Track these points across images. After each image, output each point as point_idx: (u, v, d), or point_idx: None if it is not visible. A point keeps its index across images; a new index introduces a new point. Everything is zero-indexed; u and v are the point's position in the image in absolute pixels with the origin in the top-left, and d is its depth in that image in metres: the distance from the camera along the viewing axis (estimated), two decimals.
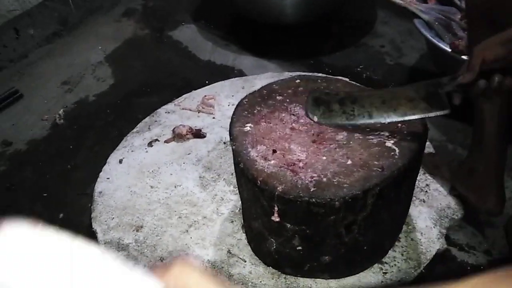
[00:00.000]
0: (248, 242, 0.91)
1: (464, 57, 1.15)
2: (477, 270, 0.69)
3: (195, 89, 1.40)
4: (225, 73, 1.54)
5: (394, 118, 0.76)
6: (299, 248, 0.77)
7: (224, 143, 1.18)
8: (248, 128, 0.83)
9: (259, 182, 0.73)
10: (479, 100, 0.89)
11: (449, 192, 0.98)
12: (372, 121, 0.78)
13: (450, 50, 1.18)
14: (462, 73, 0.71)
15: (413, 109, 0.75)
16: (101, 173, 1.12)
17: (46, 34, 1.72)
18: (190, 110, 1.32)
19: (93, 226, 0.98)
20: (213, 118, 1.29)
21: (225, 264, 0.88)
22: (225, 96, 1.36)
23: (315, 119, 0.82)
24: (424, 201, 0.97)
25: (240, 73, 1.53)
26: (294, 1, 1.56)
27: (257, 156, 0.77)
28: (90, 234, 0.98)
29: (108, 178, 1.10)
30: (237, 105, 0.90)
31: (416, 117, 0.75)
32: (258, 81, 1.38)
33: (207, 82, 1.46)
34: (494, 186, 0.90)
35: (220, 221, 0.97)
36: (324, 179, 0.72)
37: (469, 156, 0.95)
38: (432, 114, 0.74)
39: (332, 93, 0.86)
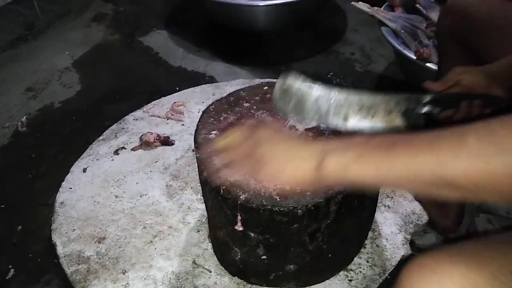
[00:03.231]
0: (214, 252, 0.89)
1: (428, 64, 1.18)
2: None
3: (165, 96, 1.38)
4: (196, 79, 1.52)
5: (367, 127, 0.70)
6: (264, 257, 0.76)
7: (193, 150, 1.16)
8: (214, 136, 0.82)
9: (222, 190, 0.71)
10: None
11: (414, 197, 0.99)
12: (345, 125, 0.70)
13: (415, 57, 1.20)
14: (429, 83, 0.70)
15: (388, 122, 0.69)
16: (63, 183, 1.08)
17: (9, 38, 1.67)
18: (159, 117, 1.30)
19: (52, 239, 0.94)
20: (182, 125, 1.27)
21: (190, 275, 0.86)
22: (195, 102, 1.35)
23: (283, 111, 0.70)
24: (389, 207, 0.97)
25: (211, 80, 1.52)
26: (266, 8, 1.57)
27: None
28: (49, 247, 0.94)
29: (70, 188, 1.06)
30: (203, 112, 0.89)
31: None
32: (229, 88, 1.37)
33: (177, 88, 1.44)
34: (456, 205, 0.92)
35: (186, 230, 0.95)
36: (288, 187, 0.71)
37: None
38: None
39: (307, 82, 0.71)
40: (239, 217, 0.72)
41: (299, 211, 0.68)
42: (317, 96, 0.69)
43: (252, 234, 0.73)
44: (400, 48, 1.26)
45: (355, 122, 0.69)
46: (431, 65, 1.17)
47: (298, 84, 0.69)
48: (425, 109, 0.68)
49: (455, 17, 0.82)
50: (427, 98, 0.68)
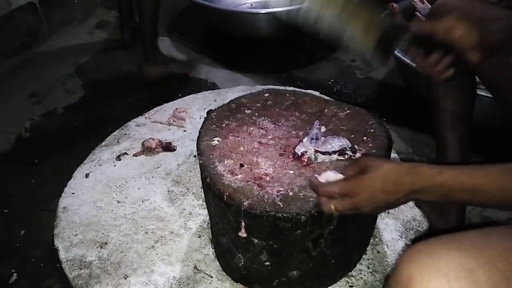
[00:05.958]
0: (216, 257, 0.90)
1: None
2: None
3: (167, 102, 1.39)
4: (197, 86, 1.53)
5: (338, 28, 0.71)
6: (267, 263, 0.76)
7: (194, 156, 1.16)
8: (216, 142, 0.83)
9: (225, 197, 0.72)
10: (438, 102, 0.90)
11: (414, 204, 0.99)
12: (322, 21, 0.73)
13: (415, 64, 1.21)
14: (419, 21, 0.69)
15: (360, 40, 0.70)
16: (66, 188, 1.08)
17: (14, 45, 1.68)
18: (161, 123, 1.31)
19: (55, 243, 0.95)
20: (184, 131, 1.28)
21: (191, 281, 0.86)
22: (197, 109, 1.36)
23: None
24: (390, 214, 0.98)
25: (213, 86, 1.54)
26: (268, 16, 1.58)
27: (224, 171, 0.76)
28: (52, 252, 0.94)
29: (73, 193, 1.07)
30: (205, 119, 0.90)
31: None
32: (231, 95, 1.38)
33: (179, 95, 1.45)
34: (456, 208, 0.92)
35: (188, 236, 0.95)
36: (291, 193, 0.71)
37: None
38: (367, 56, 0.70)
39: None
40: (242, 224, 0.72)
41: (302, 217, 0.68)
42: None
43: (256, 241, 0.73)
44: (400, 55, 1.27)
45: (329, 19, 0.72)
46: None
47: None
48: (402, 40, 0.70)
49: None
50: (409, 32, 0.68)
